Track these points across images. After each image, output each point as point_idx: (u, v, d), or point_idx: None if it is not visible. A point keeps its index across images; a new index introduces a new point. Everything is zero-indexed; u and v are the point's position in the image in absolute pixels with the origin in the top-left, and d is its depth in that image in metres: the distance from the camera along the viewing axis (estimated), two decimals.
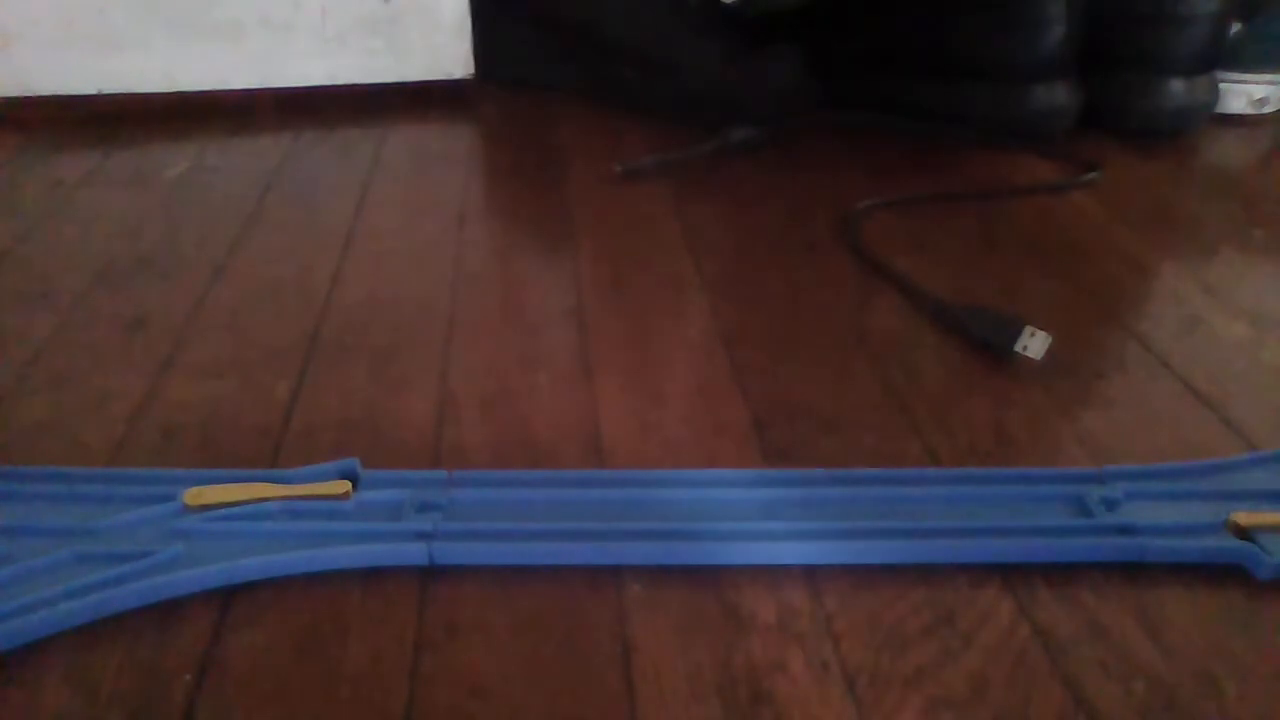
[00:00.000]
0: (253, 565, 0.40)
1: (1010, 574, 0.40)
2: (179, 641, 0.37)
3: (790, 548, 0.41)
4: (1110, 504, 0.43)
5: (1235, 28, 0.88)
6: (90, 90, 0.91)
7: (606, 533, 0.41)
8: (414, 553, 0.40)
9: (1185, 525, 0.42)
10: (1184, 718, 0.34)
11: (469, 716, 0.34)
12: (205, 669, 0.36)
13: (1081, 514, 0.43)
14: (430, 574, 0.40)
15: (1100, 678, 0.36)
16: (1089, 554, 0.41)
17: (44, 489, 0.44)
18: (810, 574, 0.40)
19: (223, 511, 0.42)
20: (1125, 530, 0.41)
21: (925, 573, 0.40)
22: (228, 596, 0.39)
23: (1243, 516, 0.41)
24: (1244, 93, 0.92)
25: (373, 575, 0.40)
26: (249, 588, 0.39)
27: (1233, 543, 0.41)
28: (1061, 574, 0.40)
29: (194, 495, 0.42)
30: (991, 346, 0.55)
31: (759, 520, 0.42)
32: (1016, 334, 0.54)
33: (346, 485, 0.43)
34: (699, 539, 0.41)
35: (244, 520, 0.42)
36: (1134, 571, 0.40)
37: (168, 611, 0.38)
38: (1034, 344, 0.53)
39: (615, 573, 0.40)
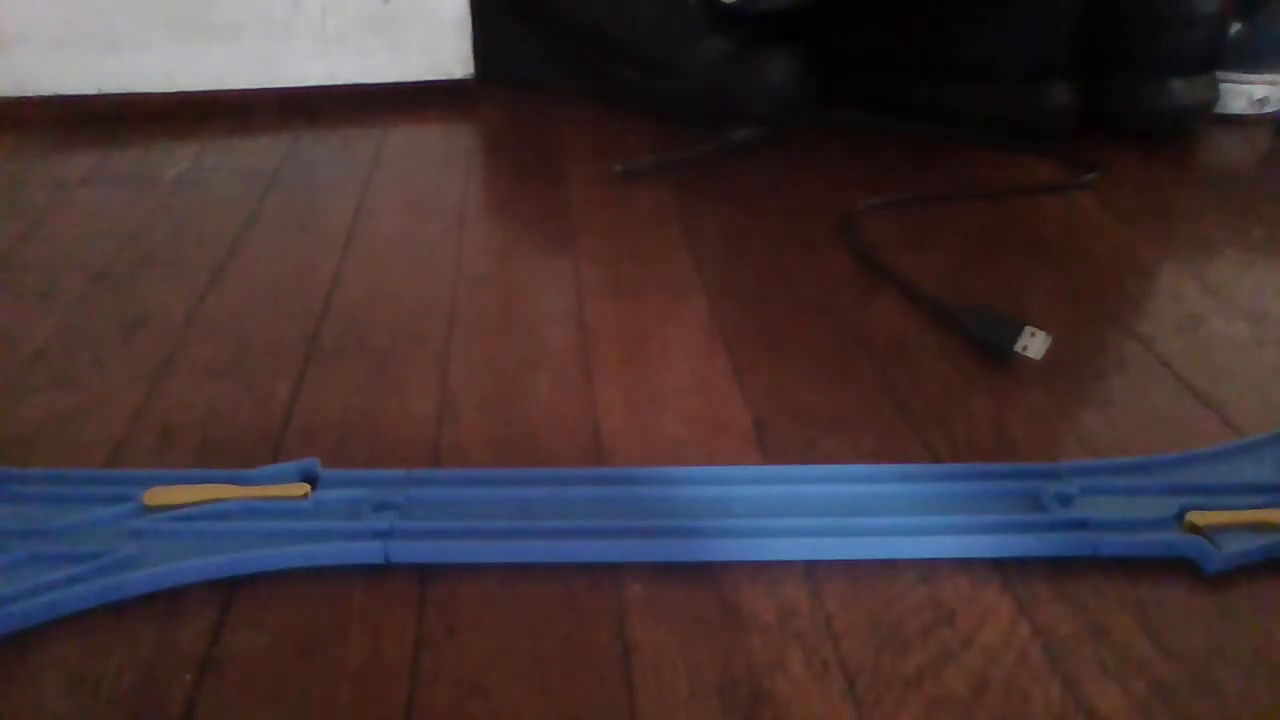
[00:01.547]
0: (208, 565, 0.40)
1: (1010, 574, 0.40)
2: (179, 641, 0.37)
3: (715, 544, 0.41)
4: (1065, 499, 0.43)
5: (1235, 28, 0.88)
6: (90, 90, 0.91)
7: (566, 530, 0.41)
8: (370, 551, 0.40)
9: (1137, 520, 0.42)
10: (1183, 718, 0.34)
11: (469, 716, 0.34)
12: (205, 669, 0.36)
13: (1036, 509, 0.43)
14: (430, 574, 0.40)
15: (1100, 678, 0.36)
16: (1040, 549, 0.41)
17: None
18: (810, 573, 0.40)
19: (181, 511, 0.42)
20: (1077, 525, 0.41)
21: (925, 572, 0.40)
22: (228, 596, 0.39)
23: (1199, 516, 0.41)
24: (1244, 93, 0.92)
25: (373, 575, 0.40)
26: (249, 587, 0.40)
27: (1182, 537, 0.41)
28: (1061, 574, 0.40)
29: (153, 496, 0.42)
30: (991, 346, 0.55)
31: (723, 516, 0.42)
32: (1016, 334, 0.54)
33: (305, 486, 0.43)
34: (683, 535, 0.41)
35: (202, 520, 0.42)
36: (1134, 571, 0.40)
37: (168, 611, 0.38)
38: (1034, 344, 0.53)
39: (615, 572, 0.40)
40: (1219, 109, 0.90)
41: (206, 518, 0.42)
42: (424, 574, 0.40)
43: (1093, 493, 0.43)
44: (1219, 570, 0.40)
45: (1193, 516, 0.41)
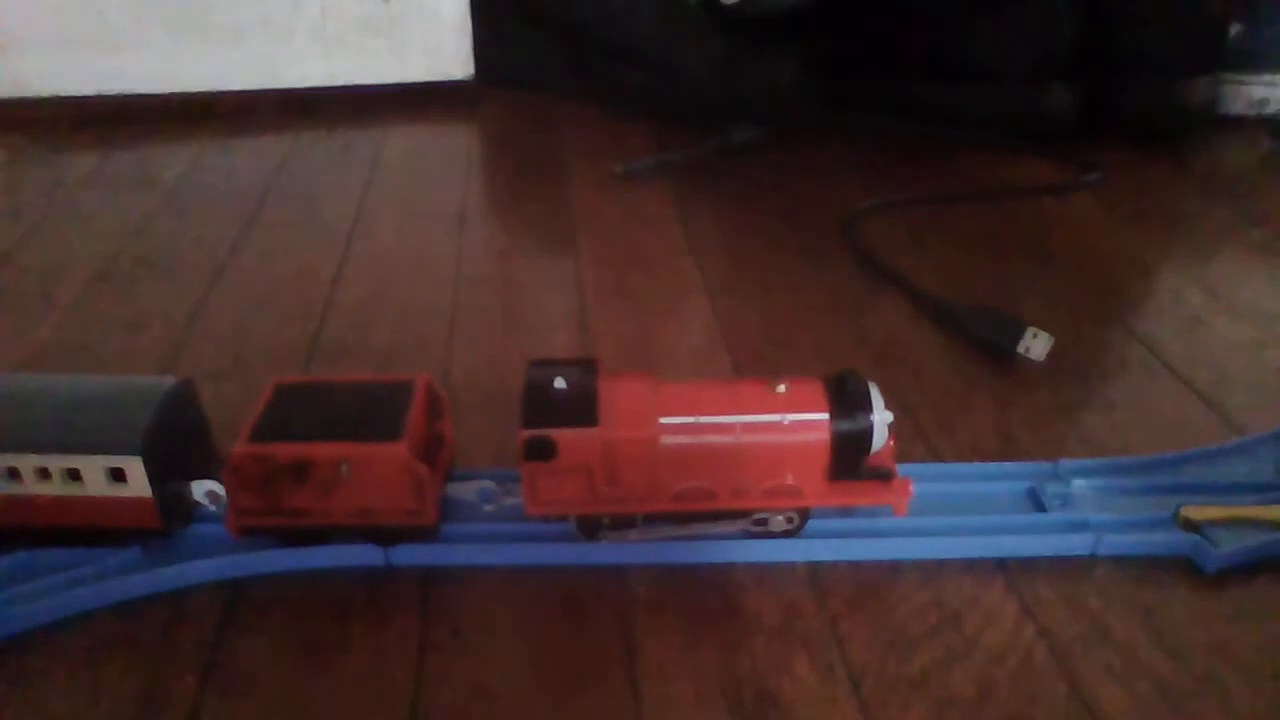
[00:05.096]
0: (211, 567, 0.40)
1: (1015, 576, 0.40)
2: (183, 643, 0.37)
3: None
4: (1064, 499, 0.43)
5: (1235, 28, 0.88)
6: (90, 90, 0.91)
7: (568, 532, 0.41)
8: (370, 553, 0.40)
9: (1136, 520, 0.42)
10: (1187, 718, 0.34)
11: (473, 718, 0.34)
12: (209, 670, 0.36)
13: (1036, 509, 0.43)
14: (433, 576, 0.40)
15: (1105, 679, 0.36)
16: (1043, 549, 0.41)
17: None
18: (814, 575, 0.40)
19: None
20: (1077, 526, 0.41)
21: (930, 574, 0.40)
22: (231, 598, 0.39)
23: (1193, 510, 0.42)
24: (1244, 93, 0.92)
25: (377, 577, 0.40)
26: (251, 589, 0.39)
27: (1181, 536, 0.41)
28: (1065, 575, 0.40)
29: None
30: (994, 347, 0.55)
31: None
32: (1018, 335, 0.54)
33: None
34: (687, 537, 0.41)
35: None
36: (1137, 573, 0.40)
37: (171, 613, 0.38)
38: (1036, 345, 0.53)
39: (619, 575, 0.40)
40: (1219, 109, 0.90)
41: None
42: (426, 576, 0.40)
43: (1091, 492, 0.43)
44: (1218, 569, 0.40)
45: (1187, 511, 0.41)
